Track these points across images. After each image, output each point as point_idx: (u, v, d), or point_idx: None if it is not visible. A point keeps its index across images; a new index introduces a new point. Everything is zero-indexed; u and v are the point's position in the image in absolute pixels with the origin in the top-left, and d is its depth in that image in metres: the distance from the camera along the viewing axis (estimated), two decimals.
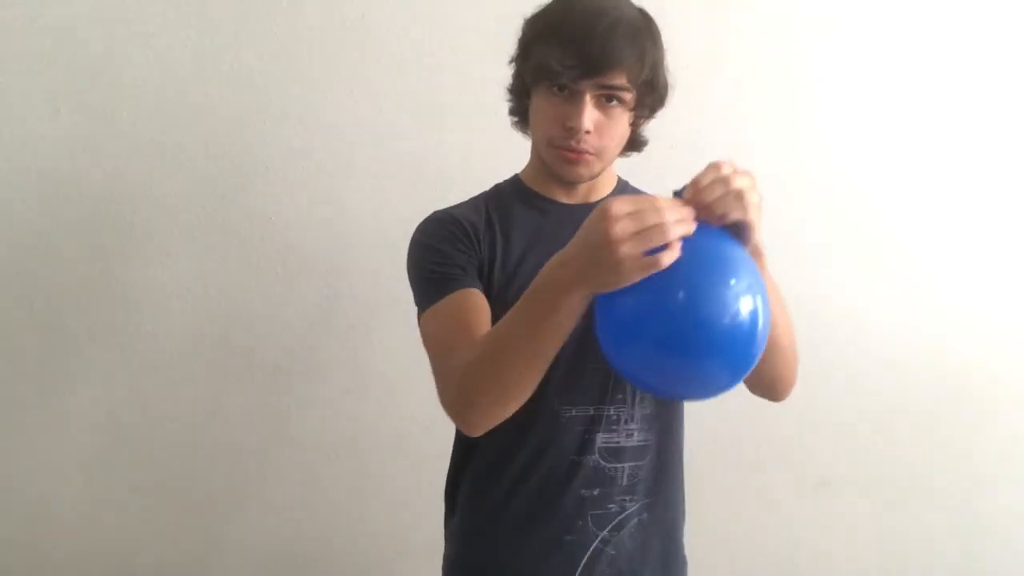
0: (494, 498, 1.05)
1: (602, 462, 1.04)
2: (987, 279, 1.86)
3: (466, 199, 1.12)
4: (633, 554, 1.07)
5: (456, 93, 1.57)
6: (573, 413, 1.03)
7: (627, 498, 1.06)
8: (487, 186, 1.15)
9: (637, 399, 1.05)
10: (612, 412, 1.04)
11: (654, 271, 0.73)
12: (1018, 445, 1.92)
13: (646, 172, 1.69)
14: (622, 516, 1.06)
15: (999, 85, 1.81)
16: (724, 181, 0.76)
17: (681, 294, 0.75)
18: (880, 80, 1.78)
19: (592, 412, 1.03)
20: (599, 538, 1.04)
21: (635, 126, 1.04)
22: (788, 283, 1.00)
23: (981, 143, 1.83)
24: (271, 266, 1.61)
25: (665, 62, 1.02)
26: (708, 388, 0.83)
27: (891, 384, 1.86)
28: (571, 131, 0.96)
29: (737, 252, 0.79)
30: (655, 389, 0.93)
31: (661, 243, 0.72)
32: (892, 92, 1.79)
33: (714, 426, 1.79)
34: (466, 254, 1.01)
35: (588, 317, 0.90)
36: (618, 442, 1.05)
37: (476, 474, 1.08)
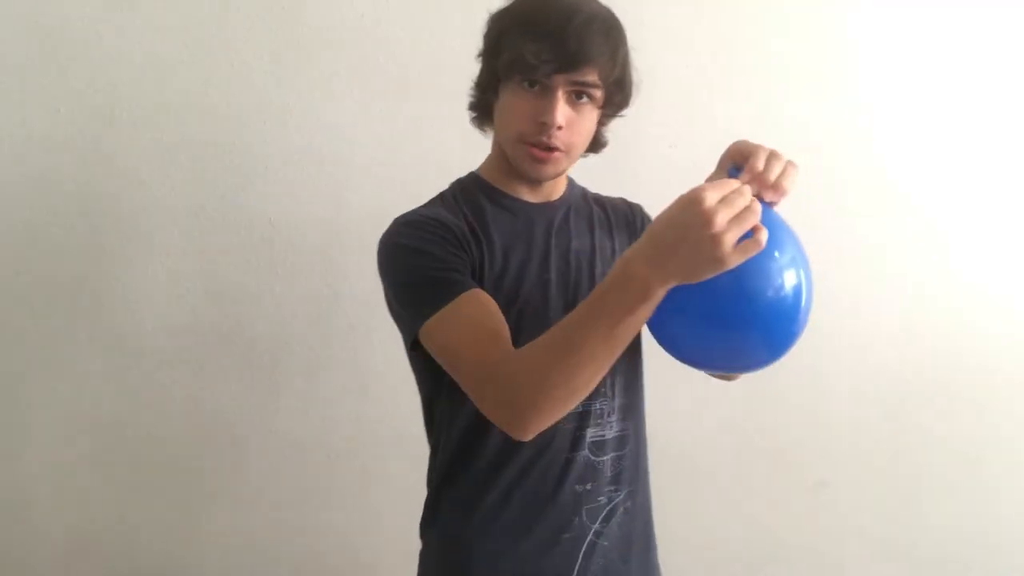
0: (490, 501, 1.03)
1: (591, 456, 1.05)
2: (987, 279, 1.86)
3: (427, 199, 1.09)
4: (621, 543, 1.08)
5: (457, 93, 1.57)
6: None
7: (613, 488, 1.07)
8: None
9: (616, 391, 1.06)
10: (598, 406, 1.05)
11: (755, 254, 0.73)
12: (1019, 445, 1.92)
13: (647, 171, 1.71)
14: (610, 507, 1.07)
15: (997, 85, 1.82)
16: (777, 157, 0.79)
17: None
18: (880, 80, 1.79)
19: (582, 408, 1.03)
20: (592, 531, 1.05)
21: (601, 124, 1.04)
22: None
23: (980, 142, 1.83)
24: (271, 266, 1.61)
25: (631, 62, 1.02)
26: (750, 361, 0.87)
27: (891, 384, 1.86)
28: (543, 126, 0.95)
29: (784, 227, 0.81)
30: (697, 361, 0.92)
31: (753, 224, 0.73)
32: (892, 92, 1.79)
33: (714, 425, 1.79)
34: (458, 256, 0.98)
35: None
36: (603, 435, 1.06)
37: (472, 478, 1.05)
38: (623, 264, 0.80)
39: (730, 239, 0.72)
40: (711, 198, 0.72)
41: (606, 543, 1.06)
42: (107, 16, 1.51)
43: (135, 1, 1.52)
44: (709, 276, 0.74)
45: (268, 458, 1.66)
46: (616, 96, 1.01)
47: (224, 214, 1.59)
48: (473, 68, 1.07)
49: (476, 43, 1.04)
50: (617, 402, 1.07)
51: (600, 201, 1.17)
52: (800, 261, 0.83)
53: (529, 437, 0.89)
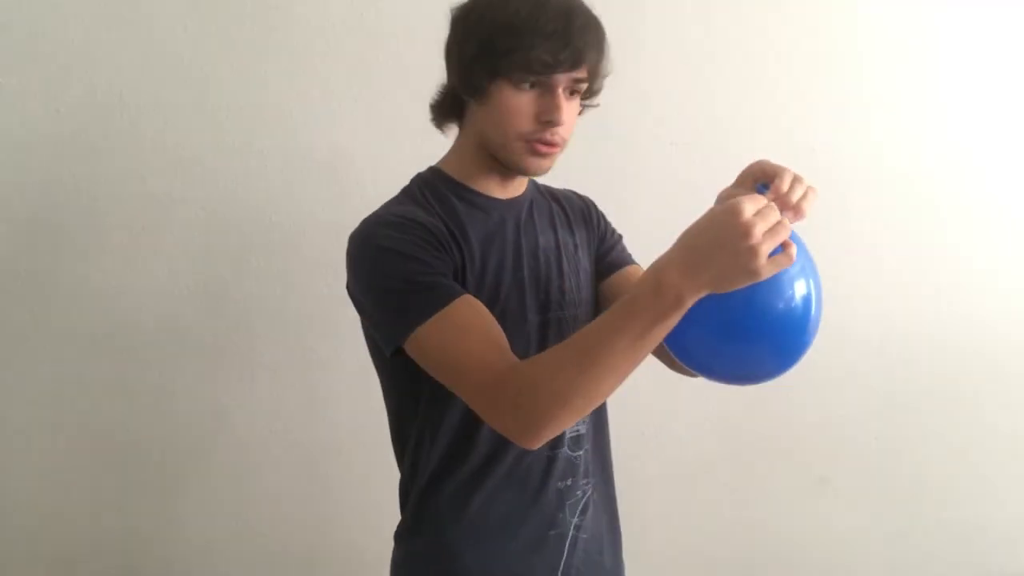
0: (478, 504, 1.02)
1: (569, 452, 1.06)
2: (989, 277, 1.86)
3: (391, 198, 1.06)
4: (595, 533, 1.09)
5: None
6: None
7: (585, 481, 1.08)
8: None
9: None
10: None
11: (786, 267, 0.75)
12: (1020, 444, 1.92)
13: (649, 169, 1.71)
14: (584, 500, 1.08)
15: (997, 85, 1.82)
16: (800, 181, 0.81)
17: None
18: (883, 77, 1.78)
19: None
20: (573, 525, 1.06)
21: (579, 115, 1.05)
22: None
23: (981, 140, 1.83)
24: (271, 266, 1.61)
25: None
26: (760, 373, 0.87)
27: (892, 382, 1.86)
28: (548, 124, 0.95)
29: (796, 239, 0.81)
30: (707, 371, 0.92)
31: (785, 238, 0.74)
32: (895, 89, 1.79)
33: (715, 423, 1.79)
34: (442, 260, 0.95)
35: (558, 310, 0.96)
36: (578, 430, 1.07)
37: (459, 483, 1.03)
38: (655, 273, 0.79)
39: (765, 251, 0.73)
40: (749, 210, 0.73)
41: (585, 536, 1.08)
42: (107, 16, 1.51)
43: (135, 1, 1.52)
44: (740, 286, 0.75)
45: (269, 458, 1.66)
46: (596, 87, 1.01)
47: (225, 214, 1.59)
48: None
49: None
50: None
51: (555, 195, 1.17)
52: (809, 271, 0.84)
53: (537, 446, 0.88)
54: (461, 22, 1.00)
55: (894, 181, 1.81)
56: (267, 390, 1.64)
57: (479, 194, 1.05)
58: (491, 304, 0.97)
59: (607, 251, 1.17)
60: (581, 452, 1.07)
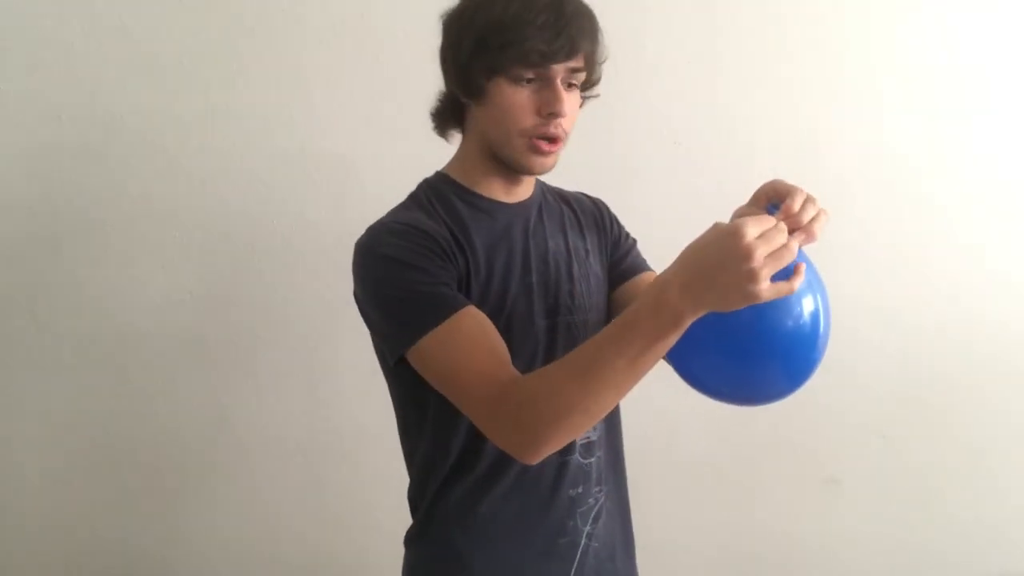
0: (487, 510, 1.02)
1: (581, 459, 1.04)
2: (995, 276, 1.85)
3: (397, 204, 1.05)
4: (607, 541, 1.08)
5: None
6: None
7: (598, 489, 1.07)
8: None
9: None
10: None
11: (786, 295, 0.74)
12: None
13: (651, 168, 1.70)
14: (596, 508, 1.07)
15: (996, 84, 1.81)
16: (813, 202, 0.80)
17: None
18: (888, 75, 1.77)
19: None
20: (585, 534, 1.05)
21: (580, 107, 1.03)
22: None
23: (983, 138, 1.82)
24: (273, 268, 1.61)
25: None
26: (771, 391, 0.87)
27: (898, 381, 1.85)
28: (549, 118, 0.94)
29: (803, 256, 0.80)
30: (715, 393, 0.91)
31: (788, 263, 0.73)
32: (899, 87, 1.78)
33: (720, 422, 1.78)
34: (446, 269, 0.94)
35: (567, 314, 0.96)
36: (589, 437, 1.05)
37: (468, 489, 1.02)
38: (656, 290, 0.78)
39: (766, 275, 0.72)
40: (752, 232, 0.72)
41: (596, 544, 1.06)
42: (108, 23, 1.51)
43: (136, 6, 1.51)
44: (739, 308, 0.74)
45: (272, 460, 1.66)
46: (594, 76, 1.00)
47: (226, 217, 1.58)
48: None
49: None
50: None
51: (565, 198, 1.16)
52: (816, 286, 0.83)
53: (536, 461, 0.88)
54: (453, 25, 0.99)
55: (900, 179, 1.80)
56: (269, 394, 1.64)
57: (484, 199, 1.04)
58: (497, 310, 0.97)
59: (621, 257, 1.15)
60: (593, 459, 1.06)
